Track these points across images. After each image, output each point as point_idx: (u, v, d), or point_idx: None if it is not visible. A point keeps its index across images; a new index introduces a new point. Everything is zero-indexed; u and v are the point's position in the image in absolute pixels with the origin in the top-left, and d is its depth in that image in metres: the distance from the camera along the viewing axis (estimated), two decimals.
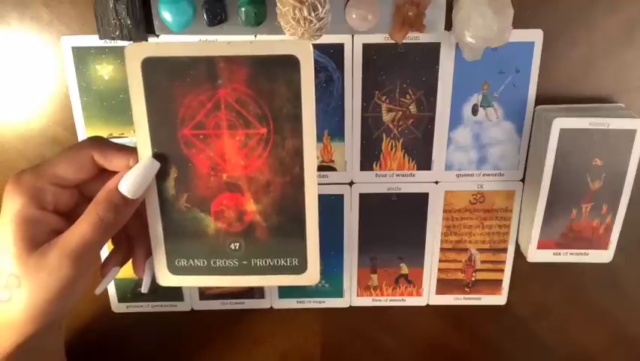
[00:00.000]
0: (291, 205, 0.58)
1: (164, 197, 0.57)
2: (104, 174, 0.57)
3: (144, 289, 0.60)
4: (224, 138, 0.55)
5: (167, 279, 0.60)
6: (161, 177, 0.56)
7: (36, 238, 0.52)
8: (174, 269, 0.60)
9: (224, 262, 0.59)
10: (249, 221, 0.58)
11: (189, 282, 0.61)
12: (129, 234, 0.60)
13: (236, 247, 0.59)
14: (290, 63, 0.53)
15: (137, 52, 0.53)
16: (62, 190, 0.56)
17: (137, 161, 0.56)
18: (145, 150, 0.56)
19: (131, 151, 0.56)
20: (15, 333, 0.53)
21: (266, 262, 0.60)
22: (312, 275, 0.60)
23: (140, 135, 0.55)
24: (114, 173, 0.56)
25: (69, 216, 0.56)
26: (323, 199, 0.80)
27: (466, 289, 0.87)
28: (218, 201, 0.57)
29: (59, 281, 0.52)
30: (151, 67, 0.54)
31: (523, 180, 0.81)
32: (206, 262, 0.60)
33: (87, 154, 0.56)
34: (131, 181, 0.54)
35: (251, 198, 0.57)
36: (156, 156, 0.56)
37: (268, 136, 0.55)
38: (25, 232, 0.52)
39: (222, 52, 0.53)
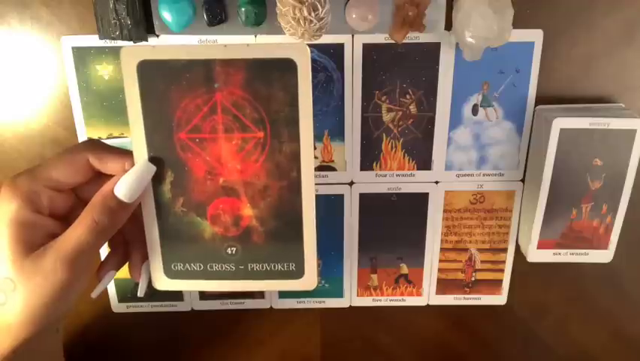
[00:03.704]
0: (289, 210, 0.57)
1: (160, 201, 0.57)
2: (100, 178, 0.57)
3: (140, 293, 0.59)
4: (221, 141, 0.55)
5: (163, 283, 0.60)
6: (157, 180, 0.56)
7: (31, 242, 0.52)
8: (170, 273, 0.60)
9: (221, 266, 0.59)
10: (245, 226, 0.58)
11: (186, 286, 0.61)
12: (125, 237, 0.60)
13: (233, 252, 0.59)
14: (287, 67, 0.53)
15: (132, 55, 0.53)
16: (58, 194, 0.56)
17: (132, 164, 0.56)
18: (141, 154, 0.56)
19: (127, 154, 0.56)
20: (10, 337, 0.53)
21: (262, 267, 0.59)
22: (309, 280, 0.60)
23: (135, 139, 0.55)
24: (110, 176, 0.56)
25: (65, 219, 0.56)
26: (323, 199, 0.81)
27: (466, 289, 0.87)
28: (214, 206, 0.57)
29: (55, 285, 0.52)
30: (147, 70, 0.53)
31: (523, 180, 0.81)
32: (202, 267, 0.59)
33: (83, 157, 0.56)
34: (126, 185, 0.54)
35: (247, 203, 0.57)
36: (152, 159, 0.56)
37: (265, 140, 0.55)
38: (20, 235, 0.52)
39: (219, 55, 0.53)
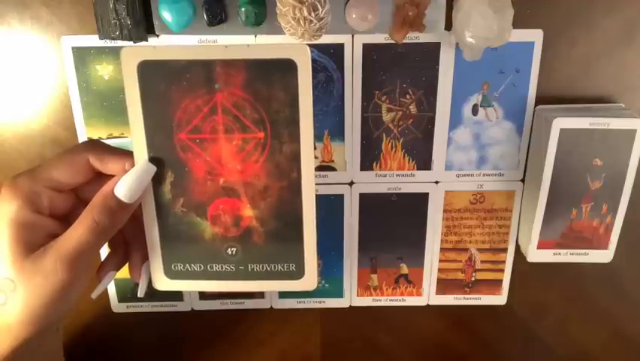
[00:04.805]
0: (289, 210, 0.57)
1: (161, 201, 0.57)
2: (100, 178, 0.57)
3: (140, 293, 0.59)
4: (221, 142, 0.55)
5: (163, 283, 0.60)
6: (157, 181, 0.56)
7: (32, 242, 0.52)
8: (171, 273, 0.60)
9: (221, 266, 0.59)
10: (245, 226, 0.58)
11: (186, 286, 0.60)
12: (126, 238, 0.60)
13: (233, 252, 0.59)
14: (288, 67, 0.53)
15: (133, 55, 0.53)
16: (58, 194, 0.56)
17: (133, 165, 0.56)
18: (141, 154, 0.55)
19: (127, 155, 0.56)
20: (11, 337, 0.53)
21: (263, 268, 0.59)
22: (309, 281, 0.60)
23: (136, 139, 0.55)
24: (110, 177, 0.56)
25: (65, 220, 0.56)
26: (323, 199, 0.81)
27: (466, 289, 0.87)
28: (214, 206, 0.57)
29: (55, 285, 0.52)
30: (147, 70, 0.53)
31: (523, 180, 0.81)
32: (202, 267, 0.59)
33: (83, 158, 0.56)
34: (127, 185, 0.54)
35: (248, 203, 0.57)
36: (152, 160, 0.56)
37: (265, 141, 0.55)
38: (20, 235, 0.52)
39: (219, 56, 0.53)
